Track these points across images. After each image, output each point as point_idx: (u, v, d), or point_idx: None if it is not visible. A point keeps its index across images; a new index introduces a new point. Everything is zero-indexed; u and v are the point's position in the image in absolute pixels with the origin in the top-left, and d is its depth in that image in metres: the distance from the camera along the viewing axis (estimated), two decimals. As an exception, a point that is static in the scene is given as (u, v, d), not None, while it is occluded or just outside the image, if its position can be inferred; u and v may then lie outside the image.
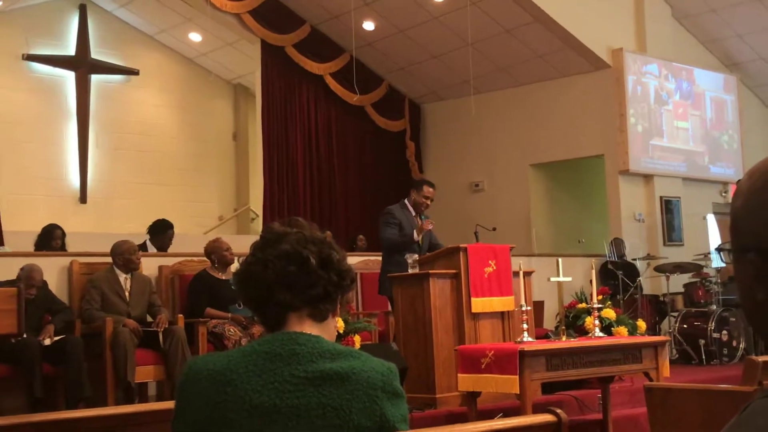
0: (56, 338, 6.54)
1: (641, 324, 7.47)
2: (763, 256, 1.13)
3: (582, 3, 11.64)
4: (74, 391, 6.35)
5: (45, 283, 6.90)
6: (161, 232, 9.39)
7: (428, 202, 7.73)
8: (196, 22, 13.09)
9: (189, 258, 8.04)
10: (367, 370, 1.82)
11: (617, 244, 11.18)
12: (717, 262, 10.69)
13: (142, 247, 9.35)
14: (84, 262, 7.39)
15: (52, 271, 7.24)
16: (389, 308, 7.85)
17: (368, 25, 12.36)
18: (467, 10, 11.36)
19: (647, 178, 12.22)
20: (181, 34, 13.71)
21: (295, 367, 1.81)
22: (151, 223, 9.58)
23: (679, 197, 12.45)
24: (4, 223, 10.23)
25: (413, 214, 7.66)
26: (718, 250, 9.98)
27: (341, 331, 6.12)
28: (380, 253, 8.34)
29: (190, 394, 1.85)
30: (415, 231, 7.47)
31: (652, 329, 9.97)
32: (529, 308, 6.31)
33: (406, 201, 7.71)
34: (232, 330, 7.12)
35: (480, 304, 6.79)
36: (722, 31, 12.96)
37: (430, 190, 7.75)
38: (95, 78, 13.14)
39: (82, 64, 12.95)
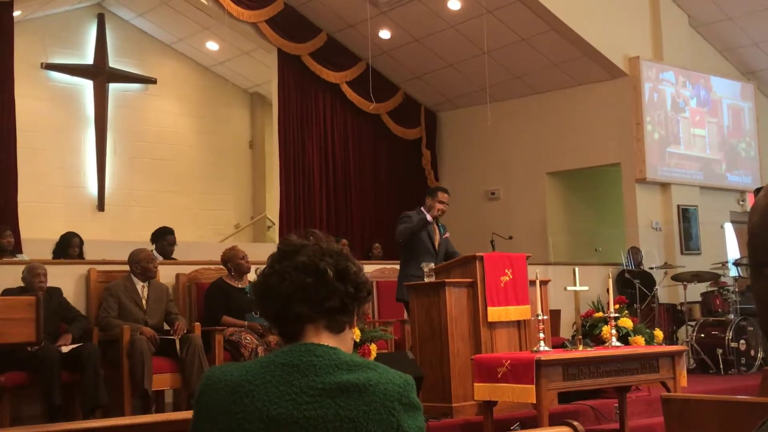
0: (73, 346, 6.56)
1: (658, 333, 7.44)
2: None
3: (598, 11, 11.63)
4: (90, 400, 6.38)
5: (60, 291, 6.92)
6: (160, 238, 9.39)
7: (444, 207, 7.74)
8: (214, 31, 13.15)
9: (205, 266, 8.07)
10: (385, 382, 1.82)
11: (634, 252, 11.14)
12: (734, 271, 10.64)
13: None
14: (101, 270, 7.43)
15: (70, 278, 7.27)
16: (405, 316, 7.85)
17: (384, 34, 12.38)
18: (483, 18, 11.37)
19: (664, 186, 12.18)
20: (199, 43, 13.78)
21: (313, 378, 1.82)
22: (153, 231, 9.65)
23: (697, 206, 12.39)
24: (23, 231, 10.32)
25: (429, 220, 7.67)
26: (736, 264, 9.94)
27: (357, 341, 6.12)
28: (396, 261, 8.36)
29: (208, 404, 1.86)
30: (428, 214, 7.50)
31: (669, 338, 9.93)
32: (545, 317, 6.30)
33: (422, 208, 7.72)
34: (248, 338, 7.13)
35: (496, 313, 6.79)
36: (739, 39, 12.92)
37: (445, 195, 7.78)
38: (113, 87, 13.23)
39: (100, 73, 13.03)
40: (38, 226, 11.60)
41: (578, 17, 11.37)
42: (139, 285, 7.18)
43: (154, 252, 9.26)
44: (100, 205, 12.97)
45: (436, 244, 7.66)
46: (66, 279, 7.18)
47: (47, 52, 12.73)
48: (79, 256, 9.07)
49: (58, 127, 12.76)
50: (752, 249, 1.19)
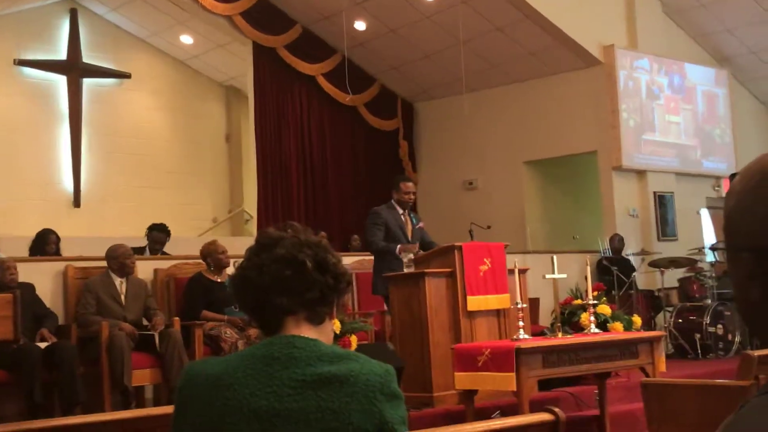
0: (49, 342, 6.52)
1: (636, 319, 7.48)
2: (757, 256, 1.14)
3: (572, 0, 11.66)
4: (68, 397, 6.34)
5: (33, 287, 6.87)
6: (147, 235, 9.49)
7: (411, 197, 7.72)
8: (188, 25, 13.09)
9: (184, 261, 8.04)
10: (366, 373, 1.82)
11: (615, 240, 11.20)
12: (711, 256, 10.72)
13: (141, 250, 9.38)
14: (79, 266, 7.38)
15: (47, 276, 7.23)
16: (385, 308, 7.84)
17: (360, 25, 12.36)
18: (458, 8, 11.37)
19: (640, 173, 12.25)
20: (173, 36, 13.70)
21: (294, 370, 1.82)
22: None
23: (673, 192, 12.47)
24: (-2, 229, 10.23)
25: (401, 212, 7.64)
26: (713, 249, 10.01)
27: (338, 332, 6.12)
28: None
29: (189, 398, 1.86)
30: (399, 247, 7.35)
31: (648, 324, 9.99)
32: (524, 305, 6.32)
33: (392, 201, 7.69)
34: (228, 332, 7.12)
35: (476, 302, 6.81)
36: (712, 25, 12.99)
37: (408, 185, 7.72)
38: (87, 82, 13.13)
39: (74, 68, 12.93)
40: (14, 223, 11.52)
41: (552, 6, 11.40)
42: (117, 281, 7.15)
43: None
44: (76, 202, 12.89)
45: (409, 235, 7.63)
46: (43, 276, 7.13)
47: (20, 48, 12.62)
48: (56, 253, 9.01)
49: (32, 124, 12.65)
50: (729, 233, 1.19)
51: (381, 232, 7.44)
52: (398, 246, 7.34)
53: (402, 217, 7.62)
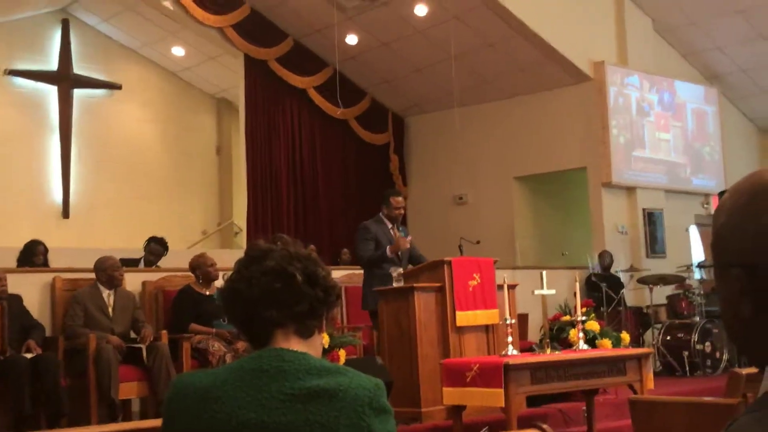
0: (35, 353, 6.47)
1: (625, 336, 7.49)
2: (748, 272, 1.14)
3: (563, 16, 11.71)
4: (52, 409, 6.30)
5: (20, 299, 6.83)
6: (145, 247, 9.50)
7: (401, 211, 7.73)
8: (179, 37, 13.09)
9: (172, 273, 8.01)
10: (355, 387, 1.82)
11: (604, 256, 11.21)
12: (699, 273, 10.74)
13: (136, 262, 9.35)
14: (67, 278, 7.34)
15: (35, 287, 7.19)
16: (371, 323, 7.82)
17: (351, 39, 12.38)
18: (450, 23, 11.41)
19: (630, 190, 12.29)
20: (164, 48, 13.70)
21: (282, 383, 1.81)
22: None
23: (662, 209, 12.51)
24: (-14, 239, 10.19)
25: (390, 226, 7.64)
26: (700, 266, 10.03)
27: (326, 346, 6.11)
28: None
29: (177, 411, 1.85)
30: (388, 248, 7.42)
31: (636, 341, 10.00)
32: (513, 321, 6.32)
33: (380, 215, 7.69)
34: (216, 345, 7.09)
35: (465, 317, 6.80)
36: (703, 43, 13.06)
37: (398, 199, 7.73)
38: (78, 92, 13.12)
39: (65, 79, 12.92)
40: (2, 234, 11.47)
41: (544, 22, 11.44)
42: (105, 293, 7.11)
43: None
44: (65, 213, 12.85)
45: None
46: (31, 287, 7.09)
47: (11, 58, 12.60)
48: (44, 264, 8.97)
49: (22, 134, 12.63)
50: (718, 250, 1.20)
51: (371, 246, 7.45)
52: (387, 247, 7.36)
53: (391, 231, 7.62)
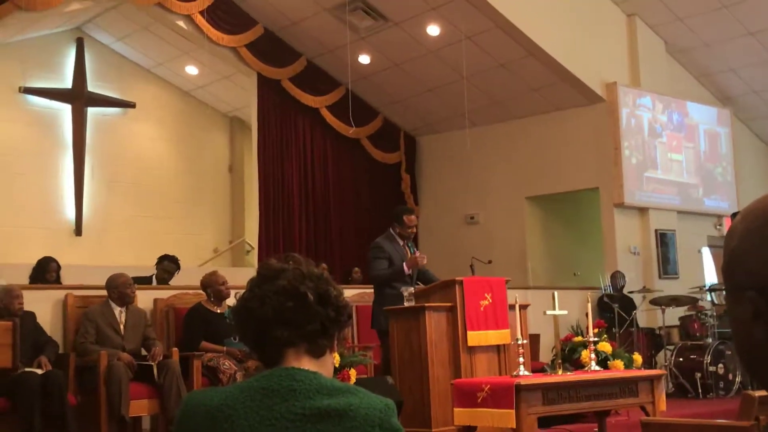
0: (46, 370, 6.48)
1: (637, 357, 7.46)
2: (762, 294, 1.14)
3: (576, 37, 11.73)
4: (60, 427, 6.30)
5: (34, 316, 6.86)
6: (158, 264, 9.56)
7: (414, 230, 7.74)
8: (193, 56, 13.16)
9: (184, 291, 8.02)
10: (365, 407, 1.81)
11: (616, 277, 11.18)
12: (711, 296, 10.69)
13: (148, 280, 9.38)
14: (79, 295, 7.37)
15: (47, 304, 7.21)
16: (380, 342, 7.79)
17: (364, 59, 12.43)
18: (462, 44, 11.44)
19: (642, 211, 12.26)
20: (178, 67, 13.77)
21: (293, 403, 1.81)
22: None
23: (674, 230, 12.48)
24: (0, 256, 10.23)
25: (401, 243, 7.65)
26: (711, 290, 9.98)
27: (337, 365, 6.10)
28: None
29: (188, 429, 1.85)
30: (405, 264, 7.44)
31: (648, 363, 9.96)
32: (525, 341, 6.30)
33: (392, 231, 7.68)
34: (227, 364, 7.09)
35: (476, 337, 6.78)
36: (715, 65, 13.06)
37: (411, 218, 7.73)
38: (92, 111, 13.19)
39: (79, 97, 12.99)
40: (15, 250, 11.51)
41: (556, 43, 11.47)
42: (117, 310, 7.13)
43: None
44: (78, 230, 12.89)
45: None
46: (43, 304, 7.11)
47: (25, 76, 12.68)
48: (57, 281, 9.01)
49: (36, 152, 12.69)
50: (731, 273, 1.19)
51: (385, 265, 7.44)
52: (404, 264, 7.37)
53: (403, 248, 7.63)
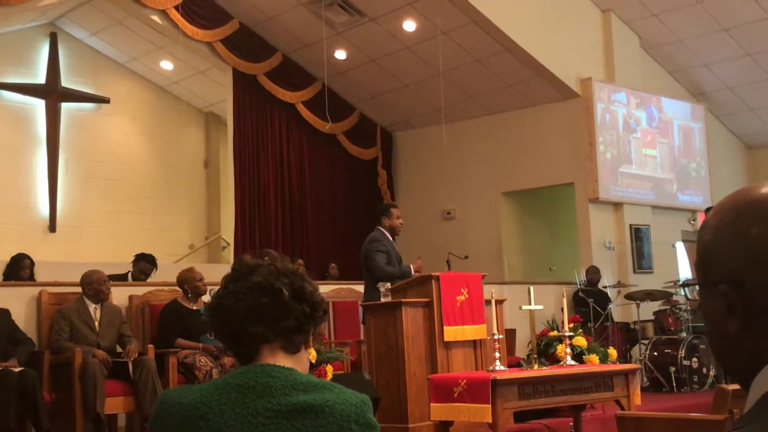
0: (18, 369, 6.43)
1: (612, 352, 7.50)
2: (735, 288, 1.14)
3: (551, 33, 11.77)
4: (36, 424, 6.27)
5: (8, 313, 6.80)
6: (134, 264, 9.50)
7: (402, 221, 7.77)
8: (168, 51, 13.09)
9: (159, 287, 7.98)
10: (341, 403, 1.81)
11: (592, 272, 11.23)
12: (685, 291, 10.77)
13: (124, 277, 9.32)
14: (53, 292, 7.31)
15: (21, 301, 7.15)
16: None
17: (340, 54, 12.41)
18: (438, 40, 11.45)
19: (617, 206, 12.33)
20: (153, 62, 13.69)
21: (269, 400, 1.80)
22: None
23: (649, 225, 12.55)
24: (-28, 253, 10.12)
25: (391, 239, 7.67)
26: (684, 285, 10.05)
27: (313, 361, 6.09)
28: (353, 282, 8.33)
29: (163, 428, 1.84)
30: (412, 267, 7.51)
31: (623, 357, 10.01)
32: (501, 336, 6.32)
33: (381, 228, 7.69)
34: (203, 360, 7.06)
35: (452, 332, 6.80)
36: (689, 60, 13.14)
37: (398, 211, 7.80)
38: (65, 106, 13.08)
39: (53, 93, 12.89)
40: (-12, 247, 11.41)
41: (531, 38, 11.50)
42: (92, 307, 7.08)
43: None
44: (52, 226, 12.79)
45: (401, 263, 7.67)
46: (17, 301, 7.06)
47: (-2, 71, 12.57)
48: (30, 278, 8.93)
49: (9, 147, 12.58)
50: (705, 267, 1.20)
51: (385, 259, 7.46)
52: (411, 266, 7.42)
53: (393, 244, 7.67)
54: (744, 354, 1.15)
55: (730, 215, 1.18)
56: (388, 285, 6.99)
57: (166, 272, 9.17)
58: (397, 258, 7.58)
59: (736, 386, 3.75)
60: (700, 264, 1.21)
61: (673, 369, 9.83)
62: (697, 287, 1.22)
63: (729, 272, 1.15)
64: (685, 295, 10.66)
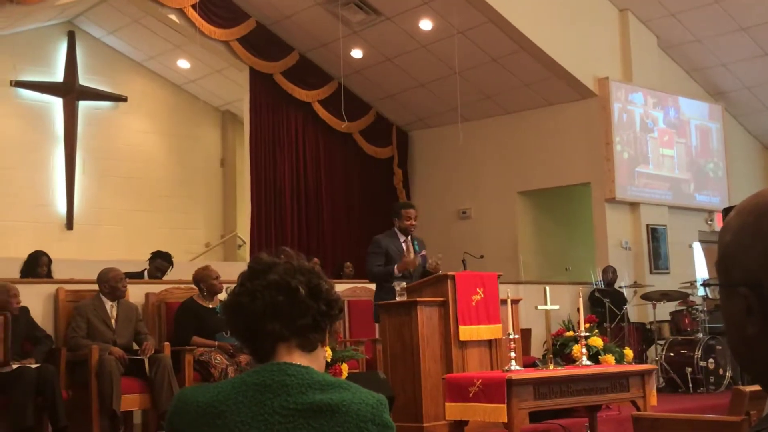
0: (36, 366, 6.47)
1: (628, 352, 7.47)
2: (755, 290, 1.13)
3: (568, 32, 11.73)
4: (52, 422, 6.30)
5: (27, 310, 6.84)
6: (151, 262, 9.50)
7: (413, 223, 7.66)
8: (185, 50, 13.13)
9: (175, 285, 8.01)
10: (357, 402, 1.81)
11: (607, 272, 11.19)
12: (704, 291, 10.71)
13: (140, 275, 9.34)
14: (70, 289, 7.34)
15: (38, 298, 7.19)
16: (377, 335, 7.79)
17: (356, 53, 12.41)
18: (454, 39, 11.43)
19: (633, 206, 12.28)
20: (170, 61, 13.74)
21: (285, 398, 1.80)
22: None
23: (665, 225, 12.49)
24: (-10, 250, 10.19)
25: (402, 239, 7.61)
26: (705, 285, 10.00)
27: (329, 360, 6.10)
28: (367, 281, 8.32)
29: (180, 426, 1.84)
30: (396, 267, 7.38)
31: (639, 357, 9.97)
32: (516, 336, 6.31)
33: (394, 228, 7.66)
34: (218, 358, 7.08)
35: (468, 332, 6.78)
36: (707, 60, 13.07)
37: (410, 211, 7.64)
38: (83, 104, 13.15)
39: (70, 91, 12.95)
40: (6, 244, 11.49)
41: (548, 38, 11.46)
42: (108, 304, 7.11)
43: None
44: (69, 224, 12.86)
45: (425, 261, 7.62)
46: (34, 298, 7.09)
47: (17, 70, 12.64)
48: (48, 275, 8.98)
49: (27, 145, 12.65)
50: (725, 269, 1.19)
51: (381, 260, 7.42)
52: (395, 266, 7.33)
53: (403, 244, 7.58)
54: (764, 356, 1.15)
55: (750, 217, 1.17)
56: (403, 284, 6.98)
57: (182, 270, 9.20)
58: (401, 257, 7.47)
59: (753, 388, 3.72)
60: (720, 265, 1.21)
61: (689, 370, 9.79)
62: (717, 288, 1.21)
63: (749, 274, 1.15)
64: (705, 295, 10.59)
